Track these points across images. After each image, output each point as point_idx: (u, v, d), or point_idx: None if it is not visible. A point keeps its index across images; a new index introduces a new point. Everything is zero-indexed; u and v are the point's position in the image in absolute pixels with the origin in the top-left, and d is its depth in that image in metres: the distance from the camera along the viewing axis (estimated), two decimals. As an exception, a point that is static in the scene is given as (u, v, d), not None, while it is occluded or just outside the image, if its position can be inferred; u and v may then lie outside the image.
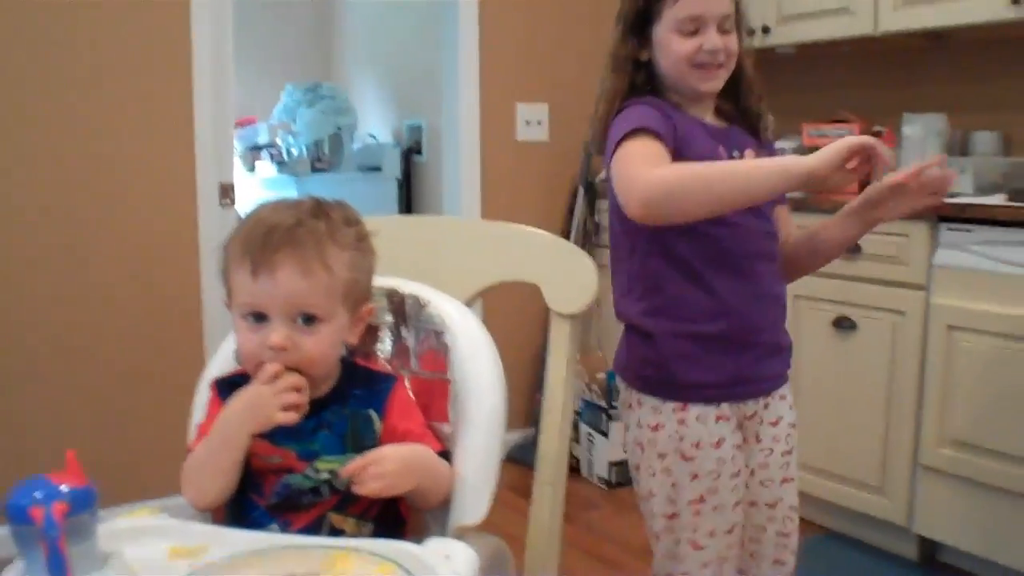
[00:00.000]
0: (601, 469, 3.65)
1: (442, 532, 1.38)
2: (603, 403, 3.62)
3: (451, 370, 1.46)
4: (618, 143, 1.60)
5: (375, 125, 5.90)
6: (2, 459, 2.87)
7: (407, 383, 1.45)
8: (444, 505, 1.39)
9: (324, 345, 1.32)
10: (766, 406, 1.78)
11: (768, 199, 1.63)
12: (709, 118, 1.75)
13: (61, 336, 3.05)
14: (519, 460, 3.61)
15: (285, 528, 1.31)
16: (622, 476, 3.60)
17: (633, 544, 3.12)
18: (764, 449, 1.79)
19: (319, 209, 1.34)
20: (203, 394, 1.47)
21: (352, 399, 1.36)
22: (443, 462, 1.37)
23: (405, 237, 1.65)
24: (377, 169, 5.51)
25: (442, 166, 4.00)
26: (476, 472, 1.39)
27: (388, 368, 1.49)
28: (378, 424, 1.36)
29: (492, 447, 1.41)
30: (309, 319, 1.30)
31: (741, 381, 1.73)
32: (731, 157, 1.70)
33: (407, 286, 1.54)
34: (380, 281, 1.46)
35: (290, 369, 1.29)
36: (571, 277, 1.53)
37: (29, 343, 3.01)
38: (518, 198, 3.87)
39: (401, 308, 1.52)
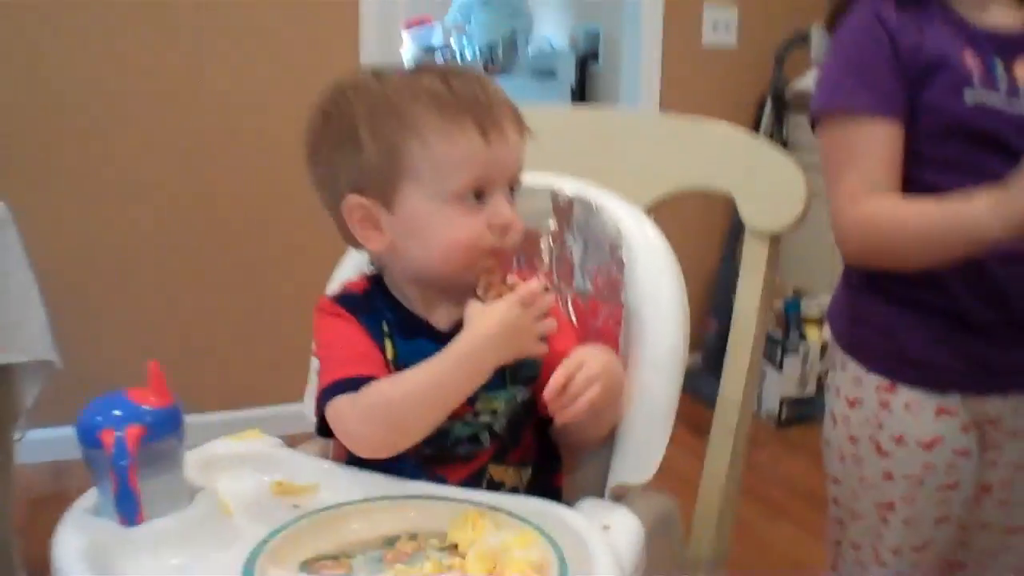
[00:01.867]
0: (772, 404, 3.40)
1: (599, 482, 1.17)
2: (778, 333, 3.34)
3: (626, 293, 1.22)
4: (821, 113, 1.33)
5: (551, 29, 5.66)
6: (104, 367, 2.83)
7: (569, 303, 1.24)
8: (607, 439, 1.17)
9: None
10: (1016, 410, 1.36)
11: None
12: (997, 14, 1.30)
13: (177, 235, 3.00)
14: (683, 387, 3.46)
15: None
16: (794, 413, 3.36)
17: (800, 488, 2.89)
18: (1008, 464, 1.38)
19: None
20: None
21: None
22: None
23: (571, 131, 1.42)
24: (552, 75, 5.28)
25: (620, 74, 3.74)
26: (647, 422, 1.15)
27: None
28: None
29: (669, 394, 1.16)
30: (512, 189, 1.11)
31: (983, 368, 1.32)
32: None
33: (574, 186, 1.30)
34: (541, 178, 1.25)
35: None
36: (775, 187, 1.27)
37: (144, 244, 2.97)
38: (701, 109, 3.48)
39: (567, 213, 1.29)
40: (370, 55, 3.04)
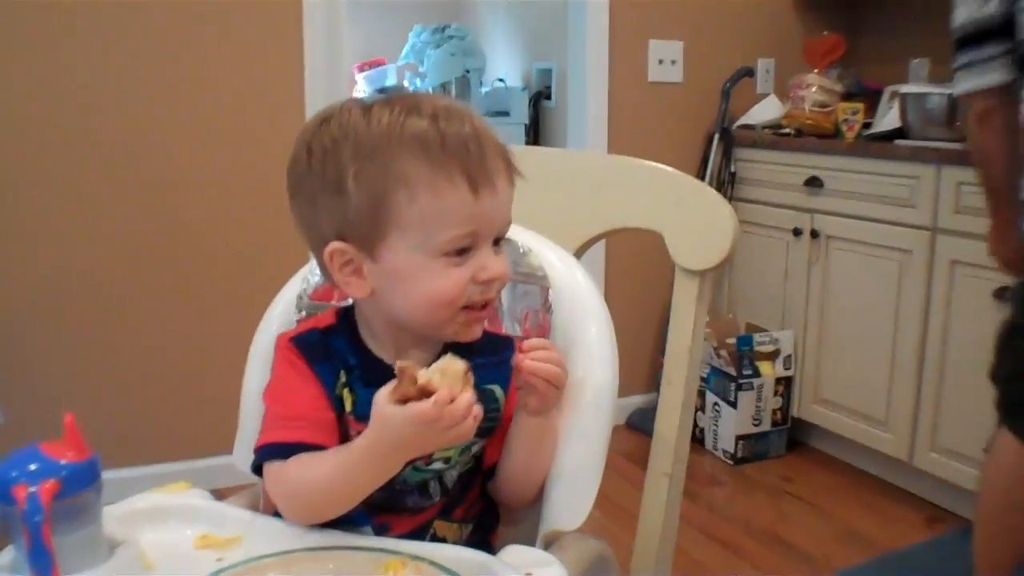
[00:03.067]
0: (727, 443, 3.37)
1: (534, 534, 1.15)
2: (732, 371, 3.34)
3: (553, 335, 1.21)
4: None
5: (504, 68, 5.70)
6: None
7: None
8: (536, 500, 1.15)
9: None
10: None
11: None
12: None
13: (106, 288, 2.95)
14: (639, 427, 3.49)
15: (381, 533, 1.08)
16: (749, 450, 3.35)
17: (755, 526, 2.89)
18: None
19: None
20: (262, 349, 1.24)
21: (479, 368, 1.02)
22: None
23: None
24: (505, 114, 5.31)
25: (568, 110, 3.75)
26: (577, 465, 1.13)
27: (503, 329, 1.24)
28: (503, 403, 1.13)
29: (598, 435, 1.14)
30: (497, 240, 1.07)
31: None
32: None
33: None
34: None
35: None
36: (702, 224, 1.26)
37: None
38: (648, 144, 3.56)
39: None
40: (316, 99, 3.01)
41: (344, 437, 1.07)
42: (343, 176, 1.01)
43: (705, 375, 3.42)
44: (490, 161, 1.02)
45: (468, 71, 5.61)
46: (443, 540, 1.11)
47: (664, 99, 3.62)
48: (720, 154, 3.61)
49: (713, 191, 1.28)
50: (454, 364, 0.94)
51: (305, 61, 3.02)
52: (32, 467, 0.88)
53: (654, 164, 1.33)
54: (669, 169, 1.31)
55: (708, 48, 3.65)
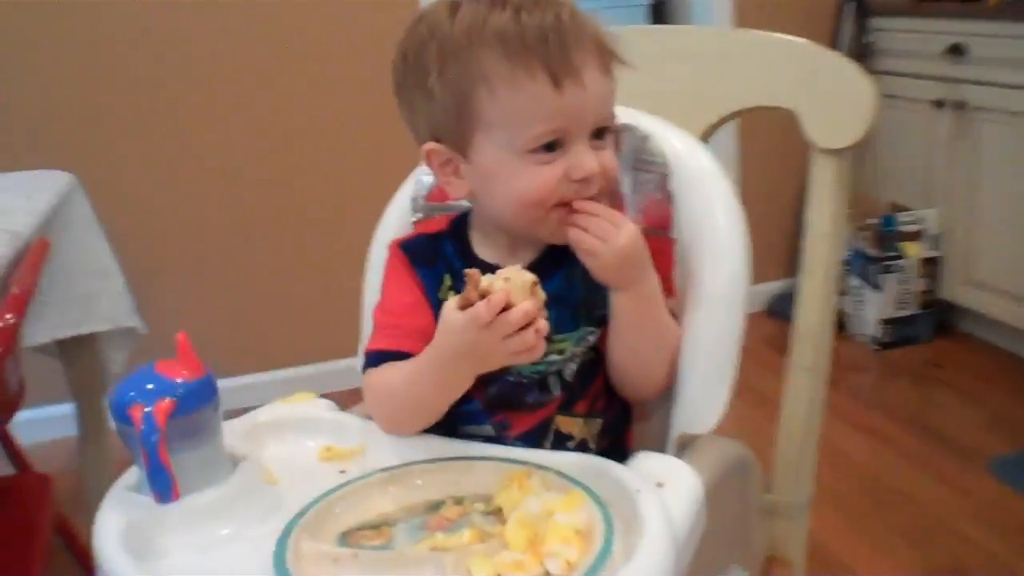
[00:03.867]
0: (870, 327, 3.25)
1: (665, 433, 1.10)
2: (875, 252, 3.20)
3: (677, 226, 1.14)
4: None
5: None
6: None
7: None
8: (664, 390, 1.09)
9: (615, 160, 1.05)
10: None
11: None
12: None
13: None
14: (780, 314, 3.37)
15: (502, 431, 1.07)
16: (894, 336, 3.22)
17: (901, 413, 2.77)
18: None
19: None
20: (378, 256, 1.23)
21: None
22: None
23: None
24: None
25: (693, -13, 3.59)
26: (707, 366, 1.07)
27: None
28: None
29: (729, 329, 1.08)
30: (600, 132, 1.02)
31: None
32: None
33: (624, 113, 1.18)
34: None
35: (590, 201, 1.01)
36: (838, 99, 1.17)
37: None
38: (775, 17, 3.32)
39: (617, 142, 1.19)
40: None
41: None
42: (429, 77, 1.00)
43: (847, 258, 3.28)
44: (575, 52, 0.97)
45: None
46: (568, 436, 1.08)
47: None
48: (853, 24, 3.40)
49: (850, 62, 1.19)
50: (521, 275, 0.92)
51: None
52: (148, 387, 0.88)
53: (782, 36, 1.24)
54: (800, 40, 1.22)
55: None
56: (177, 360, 0.90)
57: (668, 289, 1.10)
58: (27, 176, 2.01)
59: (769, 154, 3.39)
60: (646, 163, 1.17)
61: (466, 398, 1.02)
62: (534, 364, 1.04)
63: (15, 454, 2.01)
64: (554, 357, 1.05)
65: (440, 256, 1.11)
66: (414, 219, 1.25)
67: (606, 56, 1.01)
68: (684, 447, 1.05)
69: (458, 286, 1.05)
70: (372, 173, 2.91)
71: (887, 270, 3.19)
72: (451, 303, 0.94)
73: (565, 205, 1.01)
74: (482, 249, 1.10)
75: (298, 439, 1.04)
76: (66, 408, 2.10)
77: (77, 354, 2.05)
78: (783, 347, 1.26)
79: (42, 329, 1.91)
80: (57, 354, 2.05)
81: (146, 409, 0.85)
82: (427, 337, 1.00)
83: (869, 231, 3.23)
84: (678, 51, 1.35)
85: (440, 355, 0.97)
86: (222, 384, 0.93)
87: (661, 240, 1.13)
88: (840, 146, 1.18)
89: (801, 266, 1.24)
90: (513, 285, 0.91)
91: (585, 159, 0.99)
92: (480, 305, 0.90)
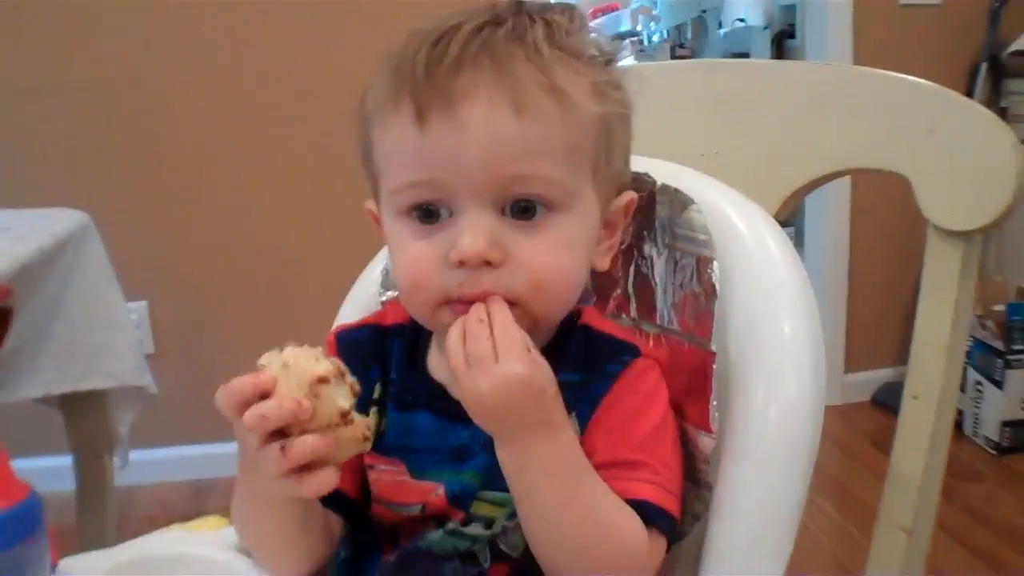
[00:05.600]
0: (990, 429, 2.90)
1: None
2: (999, 344, 2.87)
3: (720, 333, 0.84)
4: None
5: (744, 7, 5.26)
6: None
7: (651, 345, 0.88)
8: None
9: (561, 254, 0.74)
10: None
11: None
12: None
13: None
14: (886, 405, 3.03)
15: None
16: (1016, 440, 2.87)
17: (1020, 532, 2.41)
18: None
19: (523, 4, 0.76)
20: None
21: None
22: (630, 520, 0.74)
23: (686, 92, 1.05)
24: (745, 56, 4.90)
25: (806, 43, 3.34)
26: (752, 534, 0.78)
27: (628, 333, 0.89)
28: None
29: (787, 485, 0.78)
30: (526, 206, 0.73)
31: None
32: None
33: (666, 169, 0.93)
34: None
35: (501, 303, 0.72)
36: (968, 163, 0.87)
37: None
38: (898, 67, 3.07)
39: (649, 207, 0.91)
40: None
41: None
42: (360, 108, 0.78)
43: (967, 349, 2.94)
44: (462, 76, 0.69)
45: (704, 11, 5.33)
46: None
47: (919, 25, 3.15)
48: (988, 87, 3.14)
49: (985, 110, 0.89)
50: (309, 362, 0.65)
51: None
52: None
53: (897, 75, 0.95)
54: (921, 82, 0.93)
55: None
56: (-15, 478, 0.66)
57: (703, 423, 0.82)
58: (36, 215, 1.83)
59: (883, 220, 3.10)
60: (685, 240, 0.89)
61: (373, 561, 0.78)
62: (452, 533, 0.78)
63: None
64: (476, 529, 0.78)
65: (380, 357, 0.85)
66: (383, 298, 1.00)
67: (533, 85, 0.71)
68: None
69: (387, 399, 0.82)
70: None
71: (1012, 365, 2.86)
72: None
73: (454, 301, 0.73)
74: (439, 353, 0.82)
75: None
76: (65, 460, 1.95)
77: (80, 409, 1.89)
78: (889, 444, 0.96)
79: (33, 383, 1.74)
80: (57, 405, 1.88)
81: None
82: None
83: (992, 319, 2.92)
84: (758, 92, 1.06)
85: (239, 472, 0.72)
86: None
87: (697, 354, 0.85)
88: (968, 228, 0.89)
89: (906, 385, 0.94)
90: (287, 374, 0.65)
91: (463, 233, 0.71)
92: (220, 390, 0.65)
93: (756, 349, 0.82)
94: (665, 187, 0.90)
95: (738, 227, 0.89)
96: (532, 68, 0.71)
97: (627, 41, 5.45)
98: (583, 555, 0.73)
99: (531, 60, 0.71)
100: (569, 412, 0.75)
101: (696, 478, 0.83)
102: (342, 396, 0.66)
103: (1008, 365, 2.85)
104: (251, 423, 0.64)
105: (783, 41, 4.85)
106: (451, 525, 0.78)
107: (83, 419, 1.89)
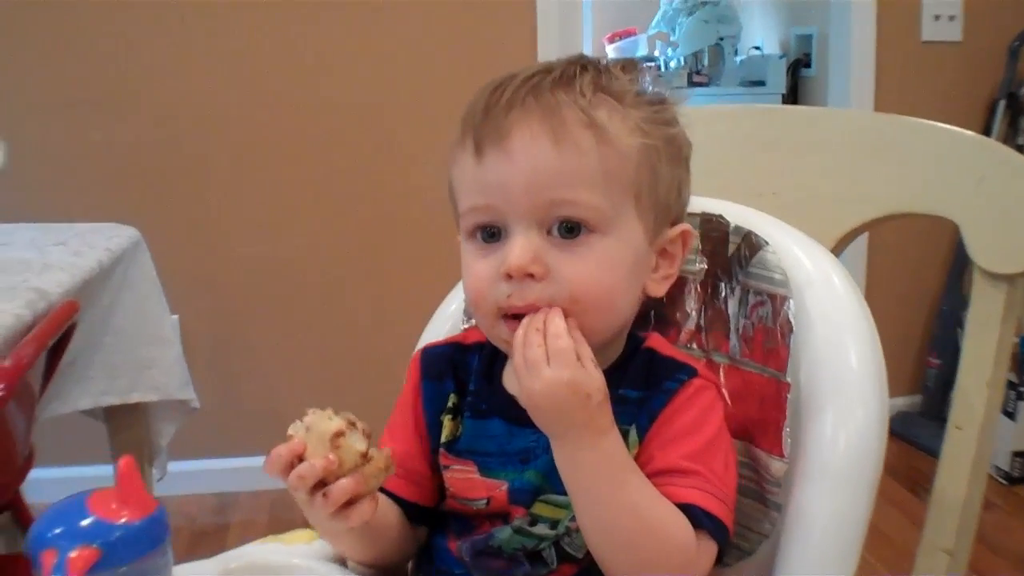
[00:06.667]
0: (1001, 459, 2.90)
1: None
2: (1012, 376, 2.86)
3: (794, 367, 0.90)
4: None
5: (761, 35, 5.34)
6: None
7: (722, 377, 0.94)
8: None
9: (601, 271, 0.81)
10: None
11: None
12: None
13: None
14: (903, 435, 3.00)
15: None
16: (1029, 471, 2.90)
17: (1031, 561, 2.43)
18: None
19: (582, 59, 0.86)
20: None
21: (617, 403, 0.80)
22: (677, 521, 0.79)
23: (736, 135, 1.12)
24: (761, 84, 4.99)
25: (828, 77, 3.38)
26: (820, 555, 0.84)
27: (694, 360, 0.94)
28: (633, 447, 0.84)
29: (853, 511, 0.85)
30: (571, 227, 0.81)
31: None
32: None
33: (735, 211, 0.99)
34: (695, 202, 0.94)
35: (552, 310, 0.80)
36: (1015, 210, 0.94)
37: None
38: (920, 114, 3.11)
39: (722, 246, 0.98)
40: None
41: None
42: None
43: (979, 380, 2.98)
44: (512, 115, 0.81)
45: (722, 39, 5.34)
46: None
47: (939, 61, 3.19)
48: (1005, 124, 3.18)
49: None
50: (324, 422, 0.78)
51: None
52: (72, 526, 0.69)
53: (941, 124, 1.01)
54: (969, 133, 1.00)
55: (991, 2, 3.18)
56: (118, 491, 0.71)
57: (775, 448, 0.88)
58: (88, 229, 1.88)
59: (898, 253, 3.15)
60: (760, 279, 0.95)
61: (444, 552, 0.89)
62: (519, 532, 0.85)
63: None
64: (542, 530, 0.84)
65: (457, 370, 0.93)
66: (465, 325, 1.06)
67: (565, 120, 0.81)
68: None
69: (464, 408, 0.90)
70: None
71: (1024, 397, 2.88)
72: None
73: (509, 316, 0.82)
74: (509, 371, 0.89)
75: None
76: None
77: (124, 421, 1.92)
78: (905, 476, 1.01)
79: (84, 395, 1.80)
80: (103, 417, 1.92)
81: (58, 558, 0.66)
82: (414, 478, 0.90)
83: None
84: (811, 138, 1.12)
85: None
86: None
87: (771, 383, 0.91)
88: (1013, 271, 0.95)
89: (949, 417, 1.00)
90: (311, 436, 0.78)
91: (511, 250, 0.80)
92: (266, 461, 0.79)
93: (827, 380, 0.88)
94: (738, 228, 0.97)
95: (805, 265, 0.95)
96: (574, 107, 0.81)
97: (643, 66, 5.50)
98: (633, 553, 0.79)
99: (574, 101, 0.81)
100: (629, 424, 0.83)
101: (765, 499, 0.90)
102: (358, 441, 0.78)
103: (1020, 397, 2.86)
104: (295, 484, 0.77)
105: (799, 70, 4.88)
106: (518, 523, 0.85)
107: (126, 430, 1.92)
